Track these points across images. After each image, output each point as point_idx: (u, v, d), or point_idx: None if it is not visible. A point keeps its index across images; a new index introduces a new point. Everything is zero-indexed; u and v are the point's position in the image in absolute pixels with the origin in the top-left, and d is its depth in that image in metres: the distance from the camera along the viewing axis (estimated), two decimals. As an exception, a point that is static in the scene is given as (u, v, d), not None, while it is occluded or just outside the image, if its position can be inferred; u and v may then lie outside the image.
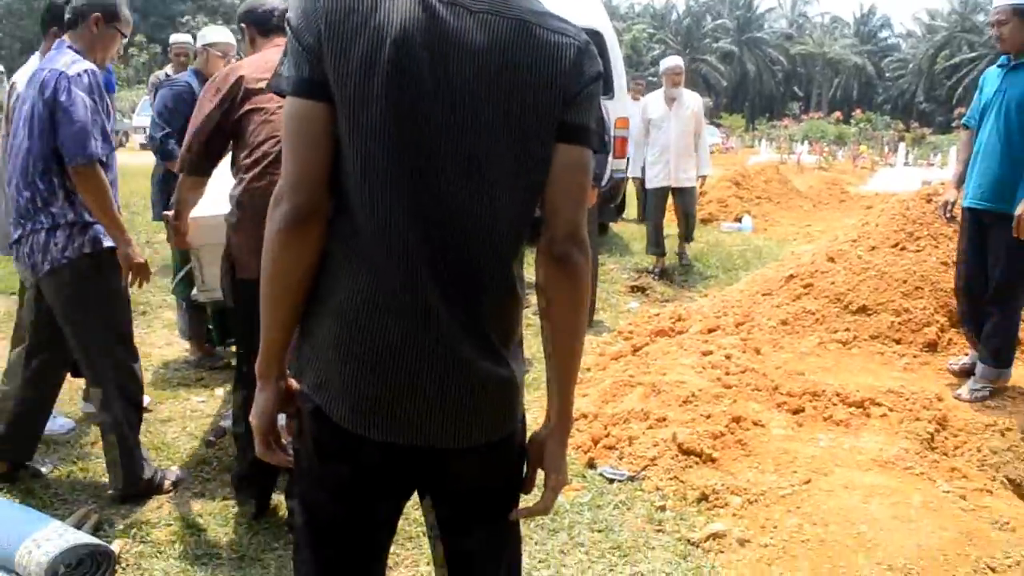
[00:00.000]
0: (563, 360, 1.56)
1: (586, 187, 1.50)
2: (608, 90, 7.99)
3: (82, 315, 3.14)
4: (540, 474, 1.61)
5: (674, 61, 8.13)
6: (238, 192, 2.95)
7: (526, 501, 1.65)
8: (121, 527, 3.12)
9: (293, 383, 1.55)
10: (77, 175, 2.94)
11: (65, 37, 3.16)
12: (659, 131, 7.93)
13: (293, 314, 1.50)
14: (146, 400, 4.09)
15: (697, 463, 3.69)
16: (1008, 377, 4.47)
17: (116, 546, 2.88)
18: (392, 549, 1.77)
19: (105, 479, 3.54)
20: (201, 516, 3.23)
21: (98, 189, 2.96)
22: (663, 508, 3.40)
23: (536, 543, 3.07)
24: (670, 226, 8.29)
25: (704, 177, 8.40)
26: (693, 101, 8.02)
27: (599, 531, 3.22)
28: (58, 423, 3.99)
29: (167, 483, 3.40)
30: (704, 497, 3.45)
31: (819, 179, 14.98)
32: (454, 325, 1.44)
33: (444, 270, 1.43)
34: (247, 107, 2.94)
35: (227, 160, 3.11)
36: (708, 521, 3.29)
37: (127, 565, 2.88)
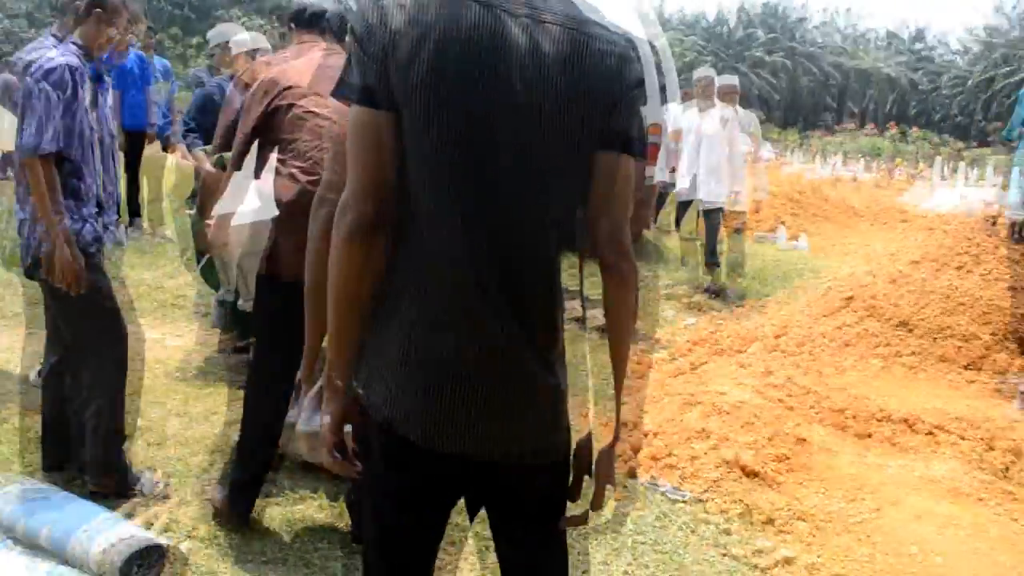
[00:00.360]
0: (613, 368, 1.57)
1: (629, 194, 1.50)
2: (665, 99, 7.89)
3: (62, 306, 3.13)
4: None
5: (705, 72, 7.84)
6: (286, 193, 2.96)
7: (571, 509, 1.64)
8: (186, 527, 3.14)
9: (359, 391, 1.55)
10: (22, 166, 2.95)
11: (54, 28, 3.14)
12: (687, 143, 7.73)
13: (358, 325, 1.50)
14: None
15: (762, 486, 3.62)
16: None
17: (184, 548, 2.90)
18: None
19: (172, 480, 3.58)
20: (265, 520, 3.23)
21: (36, 183, 2.91)
22: (728, 531, 3.34)
23: (599, 563, 3.03)
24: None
25: (737, 193, 8.04)
26: (728, 115, 7.68)
27: (663, 552, 3.17)
28: None
29: (137, 488, 3.31)
30: (770, 521, 3.38)
31: (874, 196, 14.72)
32: (513, 336, 1.45)
33: (505, 279, 1.43)
34: (296, 112, 2.97)
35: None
36: (776, 546, 3.22)
37: (195, 567, 2.90)
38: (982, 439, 4.02)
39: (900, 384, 4.70)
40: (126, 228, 8.15)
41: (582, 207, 1.49)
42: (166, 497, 3.35)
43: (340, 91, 1.46)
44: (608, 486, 1.59)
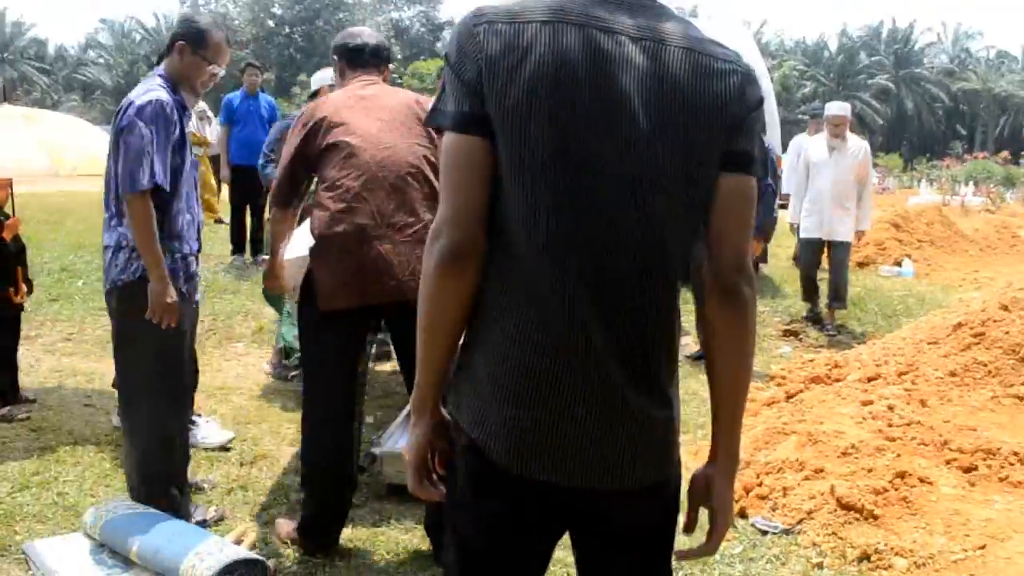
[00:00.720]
0: (731, 396, 1.52)
1: (751, 216, 1.47)
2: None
3: (127, 340, 3.15)
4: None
5: (835, 108, 7.44)
6: (319, 225, 3.02)
7: (685, 542, 1.60)
8: (277, 546, 3.21)
9: (446, 416, 1.55)
10: (125, 203, 2.98)
11: (160, 66, 3.20)
12: (816, 178, 7.35)
13: (450, 351, 1.50)
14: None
15: (857, 519, 3.47)
16: None
17: (271, 564, 2.97)
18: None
19: (261, 499, 3.68)
20: (351, 542, 3.28)
21: (140, 219, 2.95)
22: (821, 565, 3.21)
23: (685, 593, 2.97)
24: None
25: (862, 232, 7.73)
26: (858, 149, 7.36)
27: (752, 585, 3.08)
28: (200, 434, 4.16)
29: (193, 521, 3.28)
30: (866, 557, 3.24)
31: (986, 222, 14.08)
32: (616, 362, 1.41)
33: (609, 304, 1.40)
34: (328, 141, 3.01)
35: None
36: (871, 583, 3.08)
37: (281, 584, 2.97)
38: (1099, 477, 3.76)
39: (1010, 416, 4.44)
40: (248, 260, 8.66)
41: (699, 229, 1.46)
42: (221, 519, 3.42)
43: (434, 119, 1.47)
44: (726, 516, 1.54)
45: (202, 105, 9.70)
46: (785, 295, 8.59)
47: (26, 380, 5.00)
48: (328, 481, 3.12)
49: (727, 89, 1.41)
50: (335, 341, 3.06)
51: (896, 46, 62.41)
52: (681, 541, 1.62)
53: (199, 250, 3.30)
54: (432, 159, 3.07)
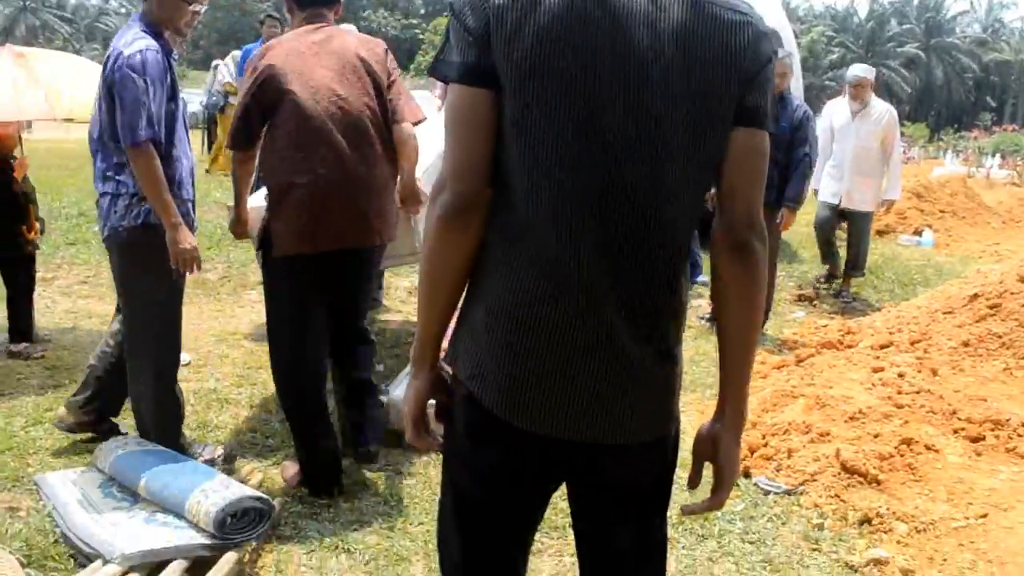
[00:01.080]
0: (740, 351, 1.50)
1: (764, 171, 1.44)
2: None
3: (130, 284, 3.18)
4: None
5: (857, 71, 7.19)
6: (273, 175, 3.08)
7: (688, 498, 1.60)
8: (283, 487, 3.26)
9: (446, 368, 1.55)
10: (129, 155, 2.97)
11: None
12: (838, 143, 7.15)
13: (451, 305, 1.49)
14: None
15: (861, 483, 3.47)
16: None
17: (276, 504, 3.01)
18: (537, 537, 1.75)
19: (270, 441, 3.72)
20: (356, 483, 3.32)
21: (146, 170, 2.95)
22: (821, 527, 3.22)
23: (684, 548, 2.98)
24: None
25: (891, 202, 7.53)
26: (882, 114, 7.08)
27: (751, 543, 3.09)
28: None
29: (201, 460, 3.32)
30: (867, 520, 3.24)
31: (1011, 195, 13.88)
32: (622, 320, 1.40)
33: (617, 259, 1.38)
34: (279, 91, 3.03)
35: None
36: (869, 546, 3.09)
37: (284, 523, 3.01)
38: (1108, 450, 3.74)
39: (1021, 388, 4.42)
40: None
41: (711, 183, 1.44)
42: (229, 460, 3.47)
43: (437, 69, 1.44)
44: (732, 472, 1.53)
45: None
46: (802, 260, 8.55)
47: (42, 321, 5.07)
48: (302, 419, 3.22)
49: (741, 42, 1.38)
50: (292, 288, 3.15)
51: (928, 14, 61.18)
52: (684, 496, 1.62)
53: (194, 196, 3.32)
54: (377, 110, 3.14)
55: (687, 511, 1.58)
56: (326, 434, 3.24)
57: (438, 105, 6.36)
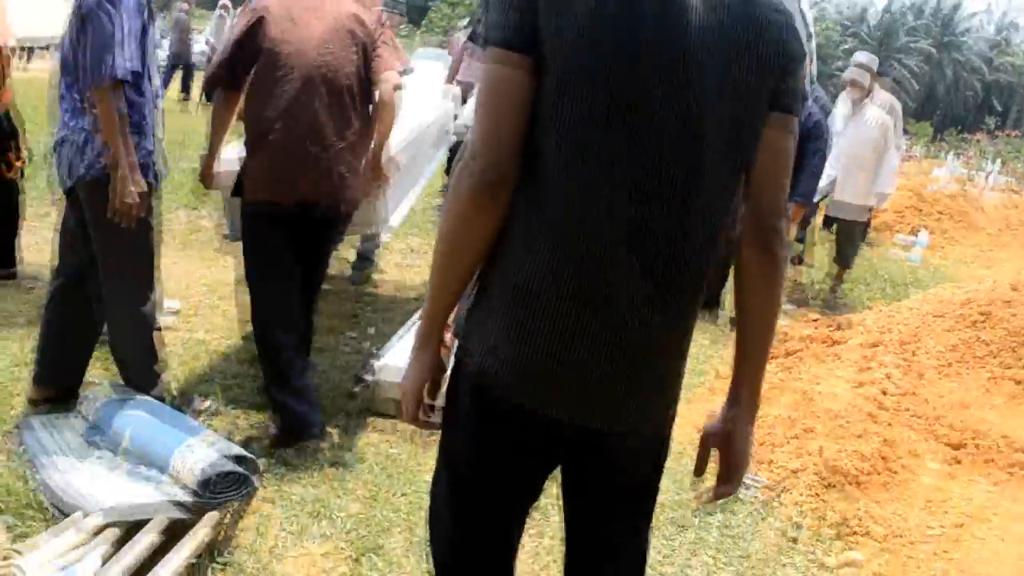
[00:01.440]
0: (759, 343, 1.52)
1: (792, 154, 1.46)
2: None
3: (104, 228, 3.06)
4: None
5: (856, 62, 6.89)
6: (253, 123, 3.14)
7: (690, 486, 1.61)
8: (267, 444, 3.26)
9: (452, 344, 1.54)
10: (94, 94, 2.89)
11: None
12: (837, 141, 6.87)
13: (465, 281, 1.47)
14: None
15: (841, 483, 3.50)
16: None
17: (261, 464, 3.01)
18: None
19: (258, 398, 3.71)
20: (342, 449, 3.33)
21: (104, 110, 2.86)
22: (799, 525, 3.25)
23: (664, 538, 3.00)
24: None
25: (885, 195, 7.41)
26: (876, 120, 6.84)
27: (729, 536, 3.12)
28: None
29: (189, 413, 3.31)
30: (844, 521, 3.27)
31: (1009, 203, 13.91)
32: (642, 310, 1.39)
33: (646, 248, 1.37)
34: (270, 40, 3.07)
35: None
36: (846, 548, 3.12)
37: (266, 485, 3.00)
38: (1087, 469, 3.78)
39: (1004, 399, 4.45)
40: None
41: (743, 174, 1.45)
42: (215, 414, 3.48)
43: (481, 32, 1.43)
44: (746, 459, 1.56)
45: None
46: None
47: (32, 259, 5.02)
48: (271, 369, 3.27)
49: (780, 30, 1.38)
50: (256, 236, 3.25)
51: (944, 12, 60.80)
52: (690, 481, 1.63)
53: (163, 139, 3.28)
54: (363, 76, 3.19)
55: (703, 500, 1.62)
56: (297, 390, 3.25)
57: (447, 76, 6.38)
